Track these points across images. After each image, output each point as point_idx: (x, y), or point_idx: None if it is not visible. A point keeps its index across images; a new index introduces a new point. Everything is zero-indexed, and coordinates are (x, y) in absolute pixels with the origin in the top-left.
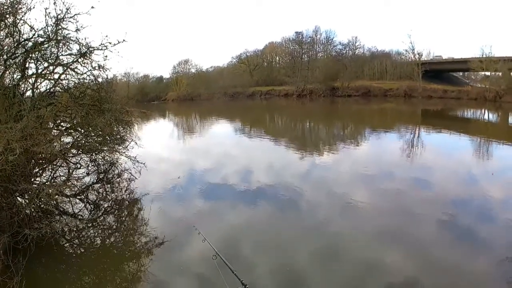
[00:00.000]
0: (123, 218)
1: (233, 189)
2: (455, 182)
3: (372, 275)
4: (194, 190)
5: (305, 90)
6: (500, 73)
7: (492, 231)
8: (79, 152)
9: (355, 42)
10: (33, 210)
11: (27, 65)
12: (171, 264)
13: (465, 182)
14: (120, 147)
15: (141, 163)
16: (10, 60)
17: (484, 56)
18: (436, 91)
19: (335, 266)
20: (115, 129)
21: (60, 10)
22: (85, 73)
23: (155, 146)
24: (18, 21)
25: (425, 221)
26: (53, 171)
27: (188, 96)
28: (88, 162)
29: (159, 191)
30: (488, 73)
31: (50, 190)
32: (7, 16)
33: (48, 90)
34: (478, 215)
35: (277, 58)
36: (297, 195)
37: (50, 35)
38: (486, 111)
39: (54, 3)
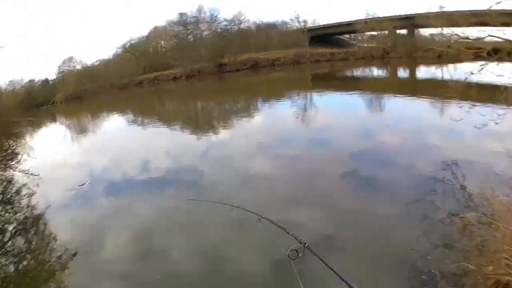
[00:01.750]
0: (32, 237)
1: (136, 182)
2: (352, 138)
3: (288, 239)
4: (98, 191)
5: (193, 70)
6: (386, 32)
7: (392, 176)
8: None
9: (240, 17)
10: None
11: None
12: (93, 271)
13: (362, 137)
14: (13, 162)
15: (36, 175)
16: None
17: (368, 17)
18: (324, 54)
19: (250, 234)
20: (5, 143)
21: None
22: None
23: (49, 154)
24: None
25: (328, 179)
26: None
27: (76, 94)
28: None
29: (61, 200)
30: (374, 33)
31: None
32: None
33: None
34: (378, 164)
35: (163, 42)
36: (199, 175)
37: None
38: (375, 68)
39: None
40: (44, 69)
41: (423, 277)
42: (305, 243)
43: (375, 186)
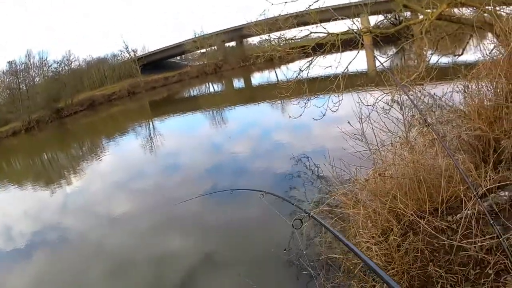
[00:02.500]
0: None
1: (2, 253)
2: (202, 155)
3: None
4: None
5: (31, 121)
6: (215, 47)
7: (249, 181)
8: None
9: (70, 56)
10: None
11: None
12: None
13: (208, 152)
14: None
15: None
16: None
17: (197, 35)
18: (158, 80)
19: (135, 267)
20: None
21: None
22: None
23: None
24: None
25: (188, 204)
26: None
27: None
28: None
29: None
30: (204, 50)
31: None
32: None
33: None
34: (232, 174)
35: None
36: (63, 230)
37: None
38: (210, 84)
39: None
40: None
41: (303, 272)
42: (309, 213)
43: (234, 196)
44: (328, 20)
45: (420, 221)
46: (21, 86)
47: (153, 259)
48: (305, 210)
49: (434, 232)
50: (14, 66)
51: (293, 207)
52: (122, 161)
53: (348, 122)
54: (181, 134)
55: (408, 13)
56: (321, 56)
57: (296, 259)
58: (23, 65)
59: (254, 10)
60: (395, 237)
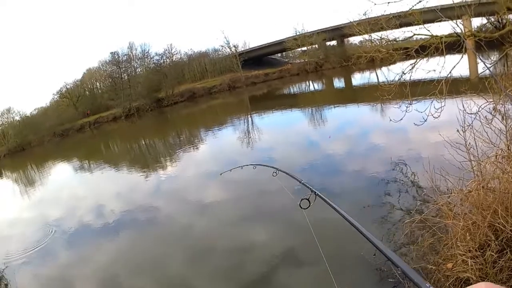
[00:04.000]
0: None
1: (93, 229)
2: (298, 153)
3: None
4: (57, 243)
5: (132, 108)
6: (316, 45)
7: (344, 184)
8: None
9: (171, 49)
10: None
11: None
12: None
13: (308, 150)
14: None
15: None
16: None
17: (297, 33)
18: (258, 76)
19: (214, 257)
20: None
21: None
22: None
23: (1, 210)
24: None
25: (278, 198)
26: None
27: (18, 147)
28: None
29: (20, 257)
30: (304, 48)
31: None
32: None
33: None
34: (329, 174)
35: (98, 83)
36: (153, 212)
37: None
38: (310, 82)
39: None
40: None
41: (389, 280)
42: (315, 191)
43: (329, 194)
44: (431, 21)
45: None
46: (123, 76)
47: (234, 250)
48: (312, 188)
49: None
50: (116, 57)
51: None
52: (217, 152)
53: (457, 132)
54: (280, 130)
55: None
56: (424, 59)
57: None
58: (125, 56)
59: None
60: (491, 253)
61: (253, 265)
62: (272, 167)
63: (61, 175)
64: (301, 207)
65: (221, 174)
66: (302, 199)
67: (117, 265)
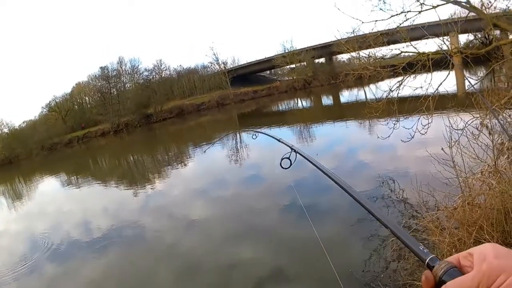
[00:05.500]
0: None
1: (80, 243)
2: (282, 170)
3: (233, 268)
4: (42, 257)
5: (120, 124)
6: (305, 63)
7: (332, 200)
8: None
9: (161, 65)
10: None
11: None
12: None
13: (291, 168)
14: None
15: None
16: None
17: (286, 51)
18: (247, 93)
19: (202, 274)
20: None
21: None
22: None
23: None
24: None
25: (263, 214)
26: None
27: (6, 160)
28: None
29: (5, 271)
30: (293, 66)
31: None
32: None
33: None
34: (315, 192)
35: (87, 98)
36: (141, 228)
37: None
38: (299, 100)
39: None
40: None
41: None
42: (294, 149)
43: (317, 211)
44: (418, 39)
45: None
46: (112, 91)
47: (222, 267)
48: (291, 146)
49: None
50: (106, 72)
51: None
52: (205, 169)
53: (442, 149)
54: (267, 147)
55: (498, 32)
56: (411, 76)
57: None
58: (115, 71)
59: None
60: None
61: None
62: (254, 130)
63: (49, 189)
64: (282, 167)
65: (205, 151)
66: (282, 159)
67: (103, 281)
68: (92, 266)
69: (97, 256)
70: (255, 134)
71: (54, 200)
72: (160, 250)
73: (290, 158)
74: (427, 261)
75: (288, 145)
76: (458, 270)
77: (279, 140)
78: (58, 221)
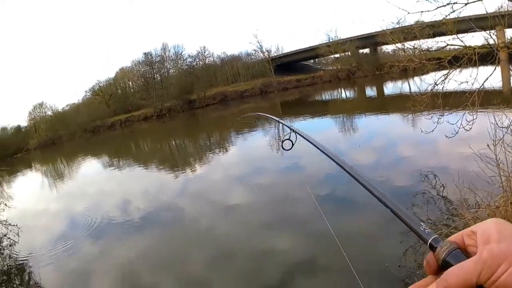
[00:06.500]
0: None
1: (118, 224)
2: (327, 161)
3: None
4: (80, 236)
5: (163, 109)
6: (349, 53)
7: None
8: None
9: (204, 52)
10: None
11: None
12: None
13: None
14: None
15: (14, 225)
16: None
17: (330, 40)
18: (290, 81)
19: (236, 260)
20: None
21: None
22: None
23: (29, 202)
24: None
25: (301, 201)
26: None
27: (49, 141)
28: None
29: (44, 247)
30: (337, 55)
31: None
32: None
33: None
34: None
35: (130, 83)
36: (179, 211)
37: None
38: (342, 90)
39: None
40: (13, 115)
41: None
42: (293, 129)
43: (354, 204)
44: (464, 32)
45: None
46: (155, 76)
47: (255, 254)
48: (290, 127)
49: None
50: (149, 58)
51: None
52: (245, 155)
53: (488, 146)
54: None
55: None
56: (457, 70)
57: None
58: (158, 57)
59: (388, 18)
60: None
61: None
62: (256, 114)
63: (90, 171)
64: (284, 149)
65: (232, 123)
66: (283, 140)
67: (139, 261)
68: (129, 246)
69: (134, 237)
70: (257, 118)
71: (95, 181)
72: (195, 234)
73: (290, 139)
74: (429, 241)
75: (287, 126)
76: (461, 252)
77: (278, 121)
78: (98, 201)
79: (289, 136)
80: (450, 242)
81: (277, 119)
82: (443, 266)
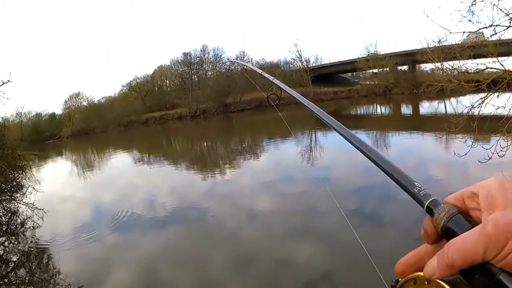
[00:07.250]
0: (35, 269)
1: (142, 218)
2: (353, 175)
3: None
4: (105, 227)
5: (198, 110)
6: (387, 69)
7: (399, 211)
8: None
9: (243, 57)
10: None
11: None
12: None
13: (364, 174)
14: (18, 194)
15: (40, 209)
16: None
17: (369, 54)
18: (327, 93)
19: (257, 266)
20: (11, 175)
21: None
22: None
23: (56, 187)
24: None
25: (329, 213)
26: None
27: (82, 131)
28: None
29: (67, 234)
30: (375, 70)
31: None
32: None
33: None
34: (383, 200)
35: (167, 81)
36: (203, 212)
37: None
38: (378, 106)
39: None
40: (49, 102)
41: None
42: (276, 83)
43: (380, 222)
44: (505, 55)
45: None
46: (193, 77)
47: (277, 262)
48: (272, 80)
49: None
50: (188, 58)
51: None
52: (275, 163)
53: None
54: (340, 150)
55: None
56: (495, 94)
57: None
58: (197, 58)
59: (429, 36)
60: None
61: None
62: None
63: (120, 163)
64: (271, 103)
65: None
66: (269, 95)
67: (160, 256)
68: (152, 241)
69: (158, 233)
70: (244, 67)
71: (124, 174)
72: (218, 235)
73: (275, 93)
74: (426, 204)
75: (269, 78)
76: (463, 217)
77: (261, 74)
78: (125, 194)
79: (273, 91)
80: (450, 206)
81: (260, 71)
82: (443, 234)
